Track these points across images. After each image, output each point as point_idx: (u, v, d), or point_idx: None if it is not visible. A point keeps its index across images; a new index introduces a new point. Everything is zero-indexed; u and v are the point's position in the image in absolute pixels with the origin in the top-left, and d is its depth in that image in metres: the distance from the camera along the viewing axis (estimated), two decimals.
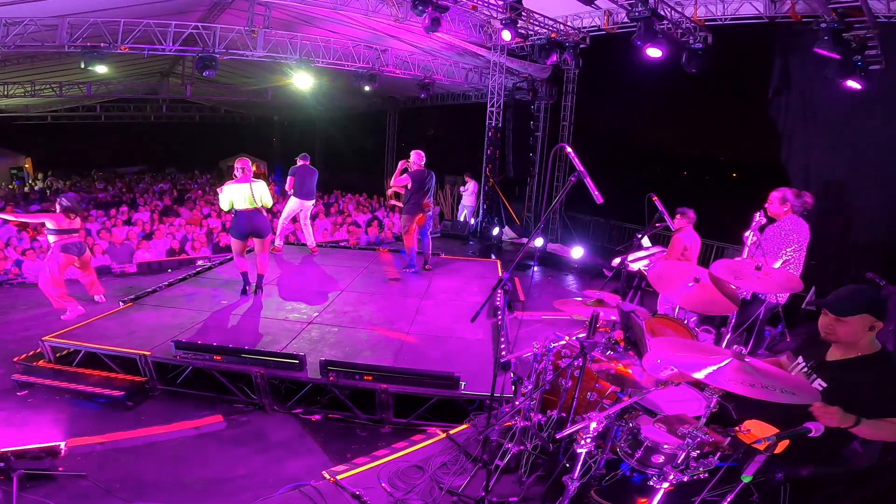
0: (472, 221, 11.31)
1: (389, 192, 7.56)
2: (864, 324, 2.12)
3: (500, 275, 7.02)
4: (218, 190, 5.45)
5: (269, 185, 5.82)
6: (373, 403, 3.80)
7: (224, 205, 5.41)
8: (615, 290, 3.64)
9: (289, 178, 7.33)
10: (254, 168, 5.79)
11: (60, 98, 14.45)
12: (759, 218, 3.87)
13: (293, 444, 3.55)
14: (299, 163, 7.31)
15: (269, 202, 5.54)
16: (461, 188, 12.02)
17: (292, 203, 7.39)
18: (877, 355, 2.14)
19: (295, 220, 7.93)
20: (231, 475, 3.19)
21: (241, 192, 5.29)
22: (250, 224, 5.37)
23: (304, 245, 7.84)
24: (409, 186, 6.36)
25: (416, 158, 6.43)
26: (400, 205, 7.23)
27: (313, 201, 7.60)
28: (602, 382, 2.72)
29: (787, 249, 3.78)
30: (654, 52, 6.75)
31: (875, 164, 6.29)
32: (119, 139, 21.04)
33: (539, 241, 9.07)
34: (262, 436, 3.62)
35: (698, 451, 1.97)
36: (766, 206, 3.97)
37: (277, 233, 7.53)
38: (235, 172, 5.39)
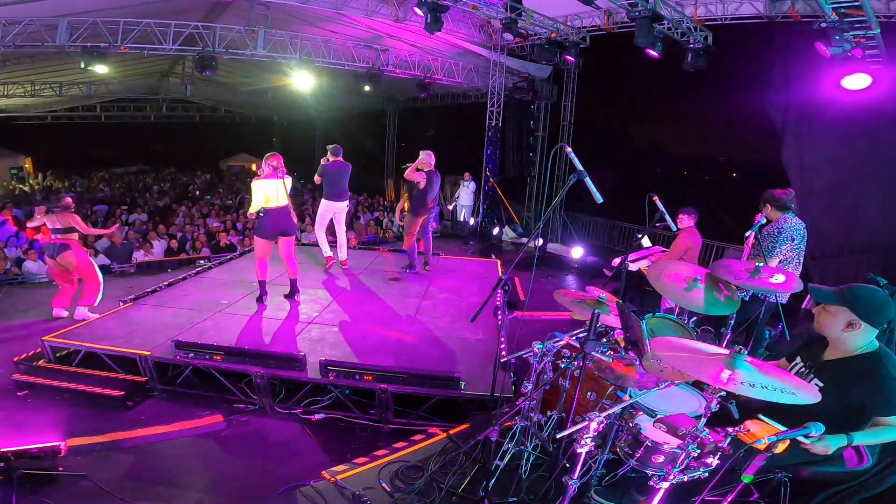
0: (472, 221, 11.31)
1: (398, 209, 6.85)
2: (842, 318, 2.13)
3: (500, 275, 7.01)
4: (255, 179, 5.04)
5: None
6: (373, 403, 3.80)
7: (256, 205, 5.06)
8: (615, 290, 3.63)
9: (316, 176, 6.44)
10: (253, 167, 5.65)
11: (60, 98, 14.48)
12: (759, 218, 3.88)
13: (293, 444, 3.55)
14: (330, 158, 6.33)
15: None
16: (457, 192, 12.00)
17: (323, 208, 6.49)
18: (870, 355, 2.15)
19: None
20: (231, 475, 3.19)
21: (275, 189, 5.06)
22: (281, 222, 5.15)
23: (306, 244, 7.74)
24: (421, 186, 6.33)
25: (428, 159, 6.37)
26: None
27: (346, 202, 6.67)
28: (602, 382, 2.72)
29: (783, 248, 3.78)
30: (654, 53, 6.76)
31: (875, 164, 6.29)
32: (119, 139, 21.07)
33: (539, 241, 9.07)
34: (262, 436, 3.62)
35: (698, 451, 1.97)
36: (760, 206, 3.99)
37: (321, 245, 6.65)
38: (264, 168, 5.12)
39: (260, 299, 5.29)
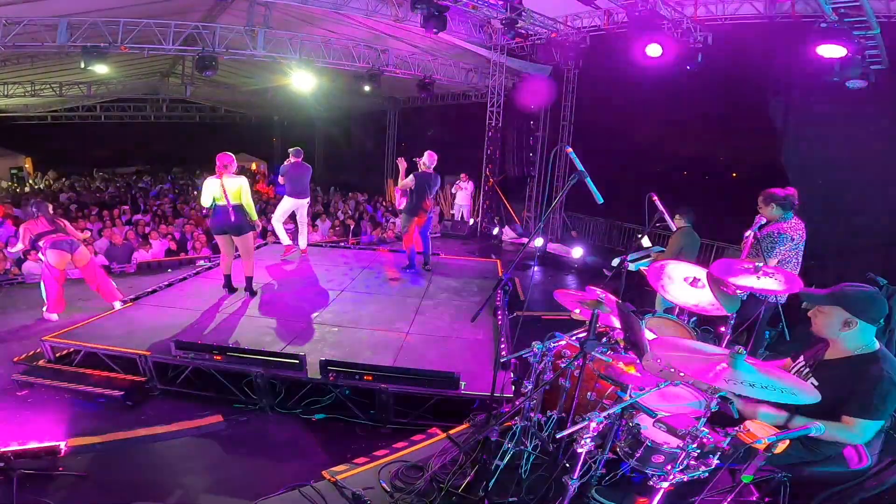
0: (472, 222, 11.31)
1: (397, 197, 7.12)
2: (837, 317, 2.14)
3: (500, 275, 7.02)
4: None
5: (253, 183, 5.64)
6: (373, 403, 3.80)
7: (203, 201, 5.37)
8: (614, 290, 3.64)
9: (279, 176, 7.08)
10: (253, 167, 5.73)
11: (60, 98, 14.47)
12: (758, 218, 3.88)
13: (293, 444, 3.56)
14: (292, 159, 6.98)
15: (247, 202, 5.36)
16: (453, 189, 11.99)
17: (285, 203, 7.08)
18: (869, 355, 2.15)
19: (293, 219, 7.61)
20: (231, 475, 3.19)
21: (213, 188, 5.25)
22: (223, 220, 5.30)
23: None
24: (413, 187, 6.36)
25: (428, 160, 6.42)
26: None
27: (308, 199, 7.27)
28: (602, 382, 2.72)
29: (782, 248, 3.78)
30: (652, 51, 6.75)
31: (875, 164, 6.29)
32: (119, 139, 21.02)
33: (539, 241, 9.07)
34: (262, 436, 3.63)
35: (698, 451, 1.97)
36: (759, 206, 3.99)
37: (279, 237, 7.29)
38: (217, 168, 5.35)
39: (225, 287, 5.62)
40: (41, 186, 18.02)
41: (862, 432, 2.07)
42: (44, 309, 5.23)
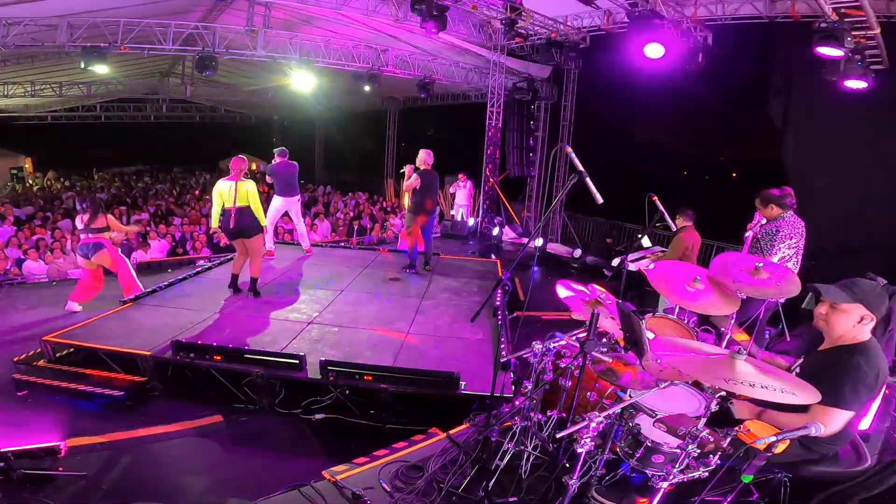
0: (472, 222, 11.30)
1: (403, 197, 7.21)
2: (856, 314, 2.13)
3: (500, 275, 7.02)
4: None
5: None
6: (373, 403, 3.80)
7: (214, 205, 5.47)
8: (614, 290, 3.64)
9: (267, 176, 7.17)
10: (253, 167, 5.79)
11: (60, 98, 14.46)
12: (758, 217, 3.89)
13: (293, 444, 3.56)
14: (277, 159, 6.98)
15: (256, 204, 5.46)
16: (451, 189, 11.98)
17: (276, 203, 7.12)
18: (858, 345, 2.14)
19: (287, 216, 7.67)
20: (231, 475, 3.18)
21: (226, 190, 5.34)
22: (233, 223, 5.36)
23: (299, 245, 7.75)
24: (419, 186, 6.37)
25: (426, 158, 6.44)
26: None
27: (298, 197, 7.30)
28: (602, 382, 2.72)
29: (781, 246, 3.79)
30: (652, 52, 6.74)
31: (875, 164, 6.29)
32: (119, 139, 21.03)
33: (539, 241, 9.07)
34: (262, 436, 3.62)
35: (698, 451, 1.97)
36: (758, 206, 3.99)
37: (267, 237, 7.14)
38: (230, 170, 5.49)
39: (231, 288, 5.64)
40: (42, 186, 18.01)
41: (831, 421, 2.02)
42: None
